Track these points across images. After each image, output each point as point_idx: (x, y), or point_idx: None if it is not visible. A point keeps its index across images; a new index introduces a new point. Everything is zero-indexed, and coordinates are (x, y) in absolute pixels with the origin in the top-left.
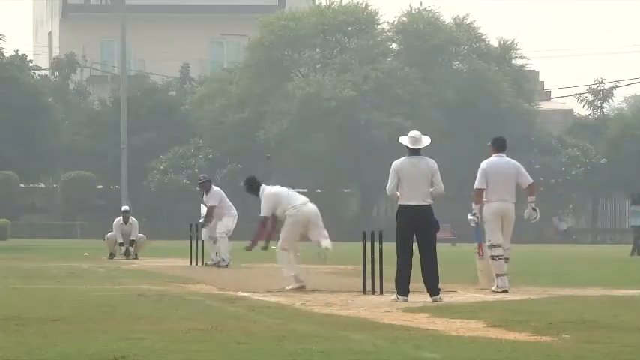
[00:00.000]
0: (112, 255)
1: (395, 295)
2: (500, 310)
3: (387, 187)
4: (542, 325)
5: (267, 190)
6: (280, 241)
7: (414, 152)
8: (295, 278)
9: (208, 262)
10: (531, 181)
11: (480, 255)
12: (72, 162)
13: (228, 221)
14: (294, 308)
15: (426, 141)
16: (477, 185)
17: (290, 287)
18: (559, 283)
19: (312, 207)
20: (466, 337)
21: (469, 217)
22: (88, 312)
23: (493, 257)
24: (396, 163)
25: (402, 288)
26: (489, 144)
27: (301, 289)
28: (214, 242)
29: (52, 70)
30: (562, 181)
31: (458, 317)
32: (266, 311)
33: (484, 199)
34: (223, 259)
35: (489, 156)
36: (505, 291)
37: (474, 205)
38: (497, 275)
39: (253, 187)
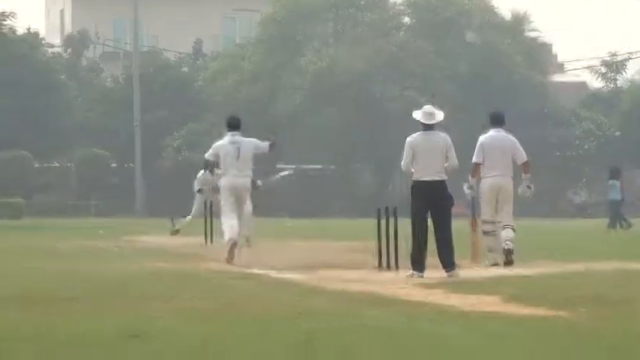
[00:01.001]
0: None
1: (410, 271)
2: (516, 285)
3: (401, 163)
4: (558, 299)
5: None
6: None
7: (428, 127)
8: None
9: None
10: (526, 158)
11: (472, 229)
12: (85, 140)
13: None
14: (310, 285)
15: (439, 116)
16: (474, 159)
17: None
18: (574, 257)
19: None
20: (482, 312)
21: (465, 189)
22: (101, 291)
23: (485, 232)
24: (410, 139)
25: (418, 264)
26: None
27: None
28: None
29: (64, 47)
30: (576, 154)
31: (473, 293)
32: (281, 288)
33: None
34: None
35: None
36: (496, 264)
37: (470, 179)
38: (489, 251)
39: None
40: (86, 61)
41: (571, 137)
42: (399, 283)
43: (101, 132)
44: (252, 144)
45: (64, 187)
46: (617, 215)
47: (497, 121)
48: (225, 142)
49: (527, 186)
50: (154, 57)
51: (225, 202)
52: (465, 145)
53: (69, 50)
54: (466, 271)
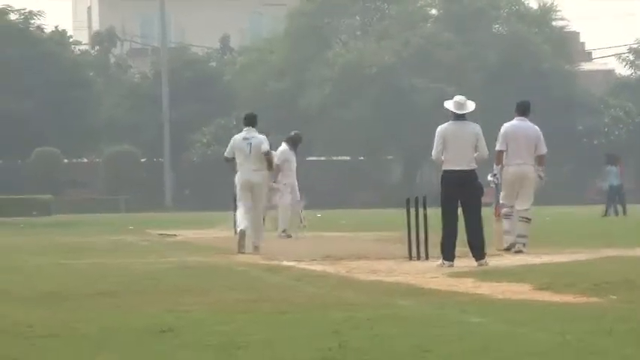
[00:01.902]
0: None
1: (440, 261)
2: (546, 272)
3: (432, 152)
4: (588, 286)
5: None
6: None
7: (459, 117)
8: None
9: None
10: (546, 150)
11: (496, 217)
12: (114, 136)
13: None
14: (340, 276)
15: (470, 106)
16: (498, 147)
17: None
18: (604, 244)
19: None
20: (512, 300)
21: (489, 177)
22: (132, 285)
23: (502, 215)
24: (440, 128)
25: (448, 253)
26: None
27: None
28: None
29: (92, 44)
30: (605, 141)
31: (504, 281)
32: (311, 280)
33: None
34: (284, 230)
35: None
36: (508, 249)
37: (494, 166)
38: (505, 234)
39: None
40: (114, 58)
41: (599, 125)
42: (429, 273)
43: (130, 128)
44: (260, 141)
45: (93, 183)
46: (610, 200)
47: (522, 110)
48: (239, 138)
49: (539, 176)
50: (182, 52)
51: (239, 196)
52: (493, 134)
53: (97, 47)
54: (495, 260)
